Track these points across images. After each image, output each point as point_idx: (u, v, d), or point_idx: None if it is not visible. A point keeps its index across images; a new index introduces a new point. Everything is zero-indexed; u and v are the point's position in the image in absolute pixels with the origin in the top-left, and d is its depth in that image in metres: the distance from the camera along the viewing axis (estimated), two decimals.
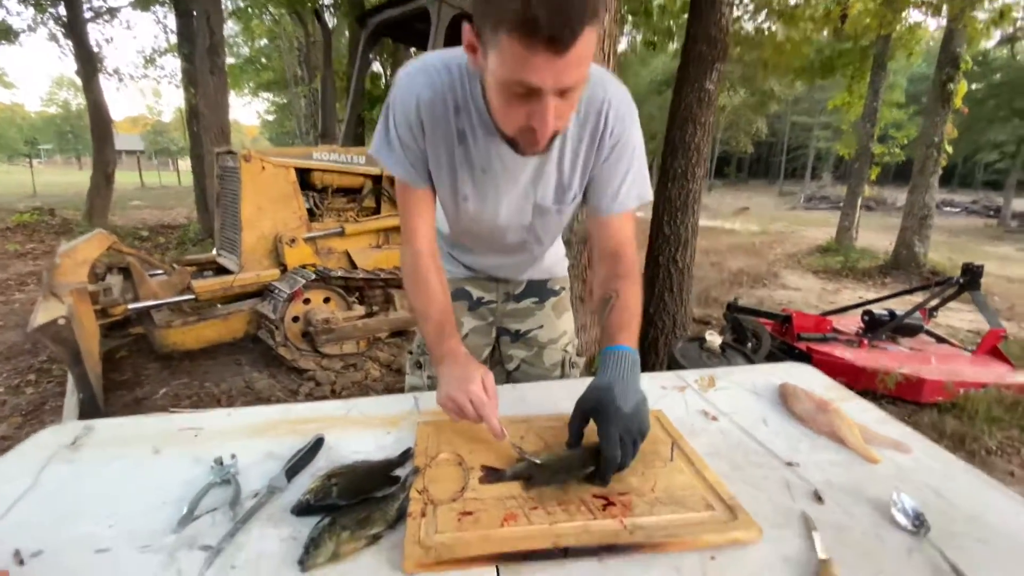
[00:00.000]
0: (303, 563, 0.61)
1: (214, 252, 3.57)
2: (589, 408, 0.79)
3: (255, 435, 0.92)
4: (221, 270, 3.39)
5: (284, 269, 3.13)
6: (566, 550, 0.63)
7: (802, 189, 22.24)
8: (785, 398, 1.02)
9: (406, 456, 0.84)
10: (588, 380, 0.89)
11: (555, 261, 1.26)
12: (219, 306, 3.10)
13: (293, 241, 3.14)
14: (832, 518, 0.71)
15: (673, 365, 1.97)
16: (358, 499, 0.72)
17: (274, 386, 2.93)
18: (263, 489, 0.75)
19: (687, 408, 1.01)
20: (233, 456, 0.81)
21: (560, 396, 1.06)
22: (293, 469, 0.80)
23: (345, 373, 3.09)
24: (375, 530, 0.66)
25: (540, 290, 1.25)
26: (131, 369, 3.11)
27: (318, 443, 0.87)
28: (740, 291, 5.42)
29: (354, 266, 3.39)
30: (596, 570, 0.62)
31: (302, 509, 0.71)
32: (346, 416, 0.98)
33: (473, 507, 0.70)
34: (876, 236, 9.18)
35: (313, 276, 2.90)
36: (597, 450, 0.76)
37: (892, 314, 3.81)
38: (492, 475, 0.76)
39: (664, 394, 1.06)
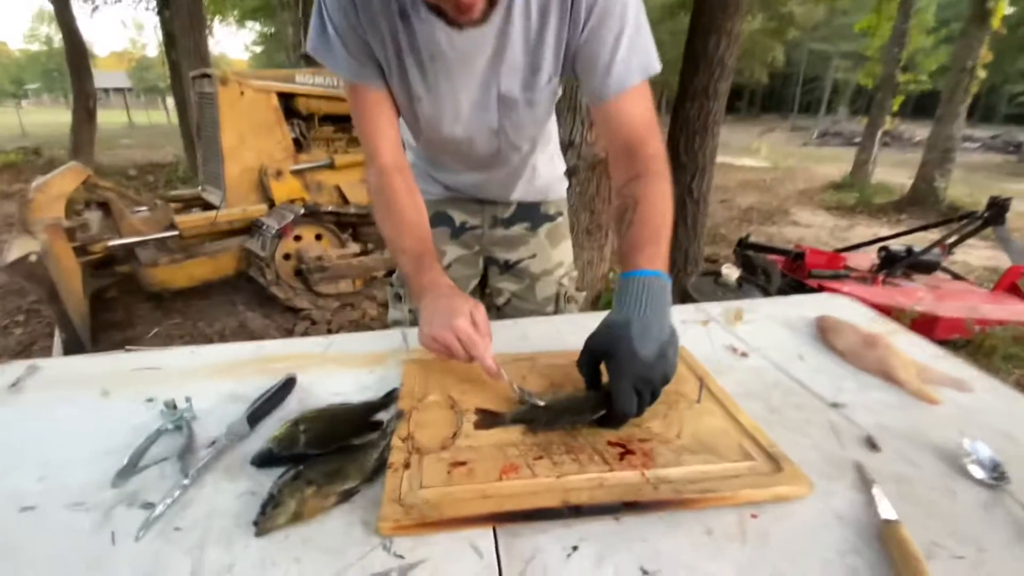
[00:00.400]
0: (258, 524, 0.51)
1: (200, 188, 3.38)
2: (599, 350, 0.66)
3: (219, 375, 0.80)
4: (208, 207, 3.22)
5: (272, 204, 2.96)
6: (578, 508, 0.52)
7: (816, 124, 21.31)
8: (825, 332, 0.89)
9: (390, 398, 0.72)
10: (596, 315, 0.76)
11: (549, 182, 1.09)
12: (207, 243, 2.95)
13: (279, 174, 2.95)
14: (892, 469, 0.60)
15: (686, 300, 1.85)
16: (331, 448, 0.61)
17: (269, 326, 2.85)
18: (221, 436, 0.65)
19: (712, 343, 0.89)
20: (188, 399, 0.70)
21: (567, 331, 0.93)
22: (257, 413, 0.69)
23: (341, 312, 2.99)
24: (348, 485, 0.56)
25: (532, 214, 1.10)
26: (122, 309, 3.02)
27: (289, 384, 0.75)
28: (750, 228, 5.23)
29: (346, 201, 3.22)
30: (613, 531, 0.52)
31: (264, 459, 0.60)
32: (324, 354, 0.87)
33: (466, 456, 0.59)
34: (891, 172, 8.82)
35: (302, 211, 2.74)
36: (609, 392, 0.64)
37: (910, 250, 3.66)
38: (489, 419, 0.65)
39: (685, 328, 0.94)
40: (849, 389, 0.76)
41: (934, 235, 3.81)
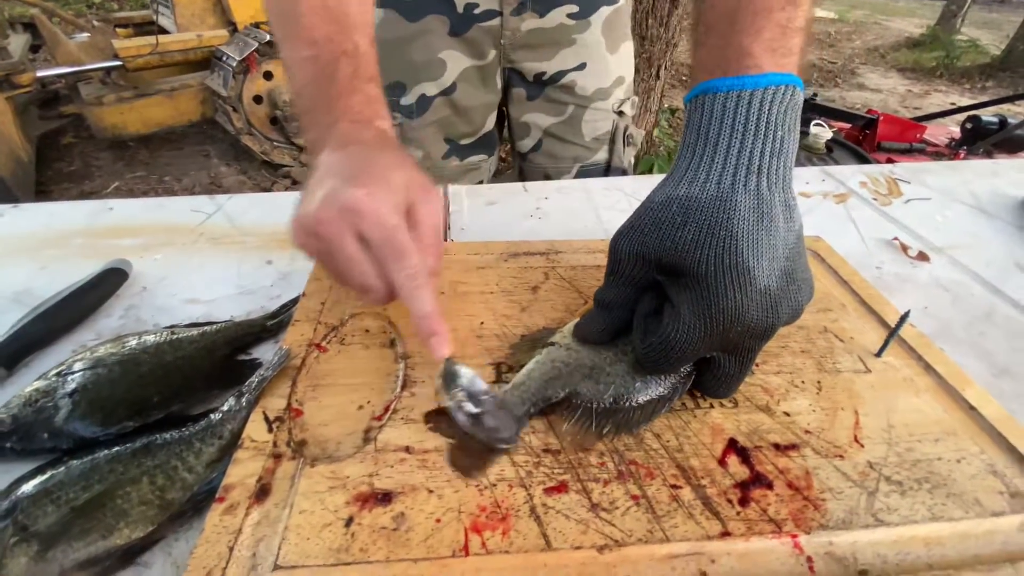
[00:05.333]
0: None
1: (152, 9, 2.77)
2: (656, 258, 0.28)
3: (14, 252, 0.47)
4: (164, 33, 2.65)
5: (234, 29, 2.39)
6: None
7: None
8: None
9: (282, 317, 0.39)
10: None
11: None
12: (163, 80, 2.46)
13: None
14: None
15: None
16: (124, 427, 0.30)
17: (244, 183, 2.48)
18: None
19: (861, 235, 0.52)
20: None
21: (614, 201, 0.57)
22: (26, 340, 0.36)
23: None
24: (117, 539, 0.25)
25: None
26: (80, 158, 2.64)
27: (110, 279, 0.42)
28: (809, 91, 4.48)
29: None
30: None
31: None
32: (200, 228, 0.52)
33: (399, 478, 0.27)
34: (977, 32, 7.49)
35: (268, 38, 2.19)
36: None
37: (1003, 122, 3.06)
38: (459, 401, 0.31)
39: (811, 206, 0.57)
40: None
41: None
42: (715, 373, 0.29)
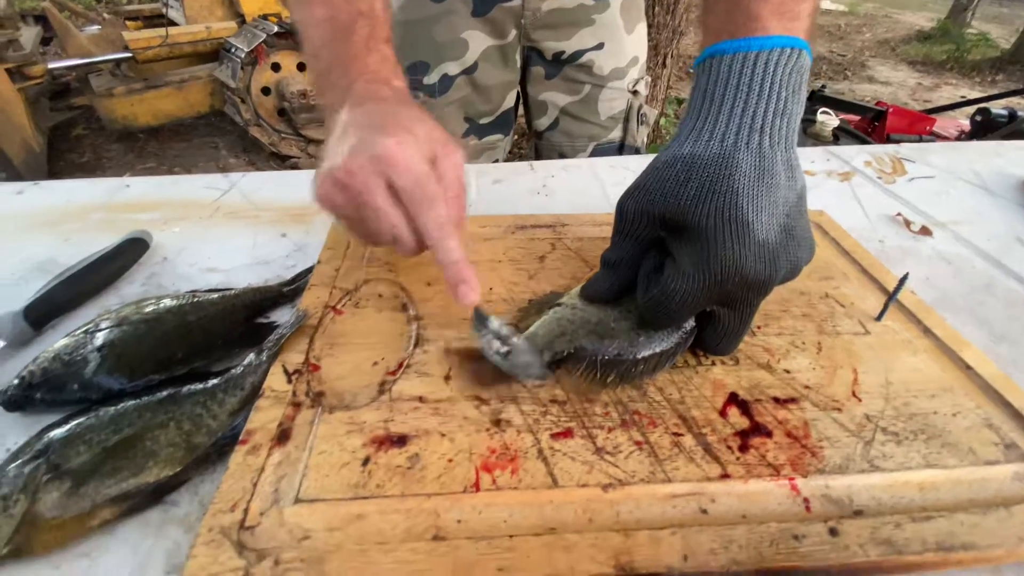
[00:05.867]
0: None
1: (161, 1, 2.79)
2: (661, 214, 0.29)
3: (36, 227, 0.49)
4: (174, 26, 2.67)
5: (242, 21, 2.41)
6: None
7: None
8: None
9: (297, 284, 0.40)
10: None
11: None
12: (172, 72, 2.48)
13: None
14: None
15: None
16: (150, 380, 0.31)
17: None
18: None
19: (865, 211, 0.53)
20: None
21: (620, 179, 0.58)
22: (54, 303, 0.38)
23: None
24: (147, 477, 0.26)
25: None
26: (91, 150, 2.67)
27: (131, 249, 0.43)
28: (818, 83, 4.44)
29: None
30: None
31: (17, 399, 0.30)
32: (217, 203, 0.53)
33: (412, 423, 0.28)
34: (987, 26, 7.39)
35: (276, 29, 2.21)
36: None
37: (1012, 115, 3.04)
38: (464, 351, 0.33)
39: (815, 184, 0.57)
40: None
41: None
42: (716, 329, 0.30)
